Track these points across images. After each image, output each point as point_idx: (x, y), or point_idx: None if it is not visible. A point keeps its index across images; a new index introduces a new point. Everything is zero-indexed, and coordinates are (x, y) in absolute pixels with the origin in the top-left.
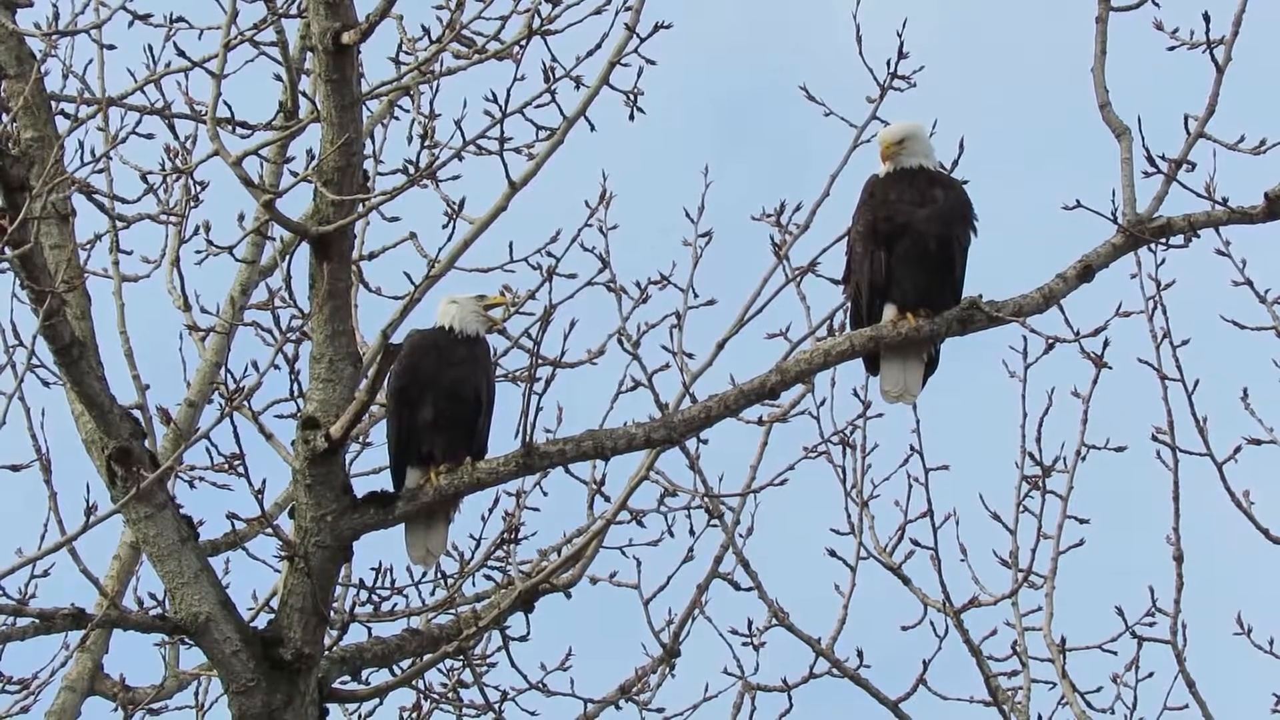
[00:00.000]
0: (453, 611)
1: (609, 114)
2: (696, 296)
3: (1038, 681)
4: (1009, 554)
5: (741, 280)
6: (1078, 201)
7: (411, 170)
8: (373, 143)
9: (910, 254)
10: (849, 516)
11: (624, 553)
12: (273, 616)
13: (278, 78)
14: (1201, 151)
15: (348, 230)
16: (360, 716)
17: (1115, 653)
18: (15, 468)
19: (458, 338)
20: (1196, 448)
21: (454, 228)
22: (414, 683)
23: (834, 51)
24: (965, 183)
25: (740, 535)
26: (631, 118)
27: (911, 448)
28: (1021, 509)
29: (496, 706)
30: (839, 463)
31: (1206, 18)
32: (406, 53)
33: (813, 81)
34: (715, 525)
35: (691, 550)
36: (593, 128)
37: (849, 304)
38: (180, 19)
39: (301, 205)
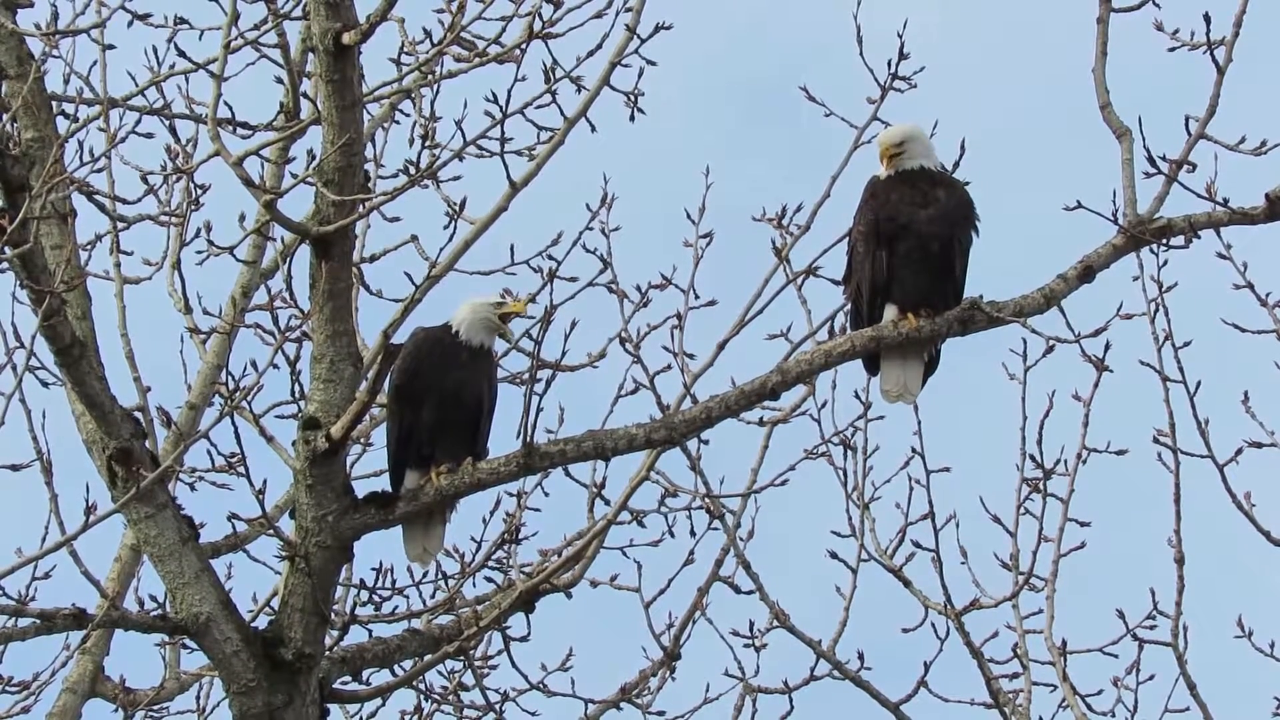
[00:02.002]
0: (453, 612)
1: (610, 114)
2: (698, 297)
3: (1039, 684)
4: (1010, 556)
5: (743, 281)
6: (1078, 202)
7: (412, 170)
8: (373, 147)
9: (912, 254)
10: (850, 518)
11: (625, 553)
12: (273, 617)
13: (279, 80)
14: (1202, 152)
15: (348, 230)
16: (361, 717)
17: (1116, 655)
18: (15, 468)
19: (462, 342)
20: (1198, 450)
21: (455, 228)
22: (415, 683)
23: (838, 51)
24: (967, 183)
25: (741, 538)
26: (632, 118)
27: (913, 449)
28: (1022, 511)
29: (497, 707)
30: (840, 464)
31: (1207, 19)
32: (407, 54)
33: (816, 82)
34: (716, 528)
35: (692, 553)
36: (593, 128)
37: (850, 304)
38: (181, 20)
39: (303, 206)
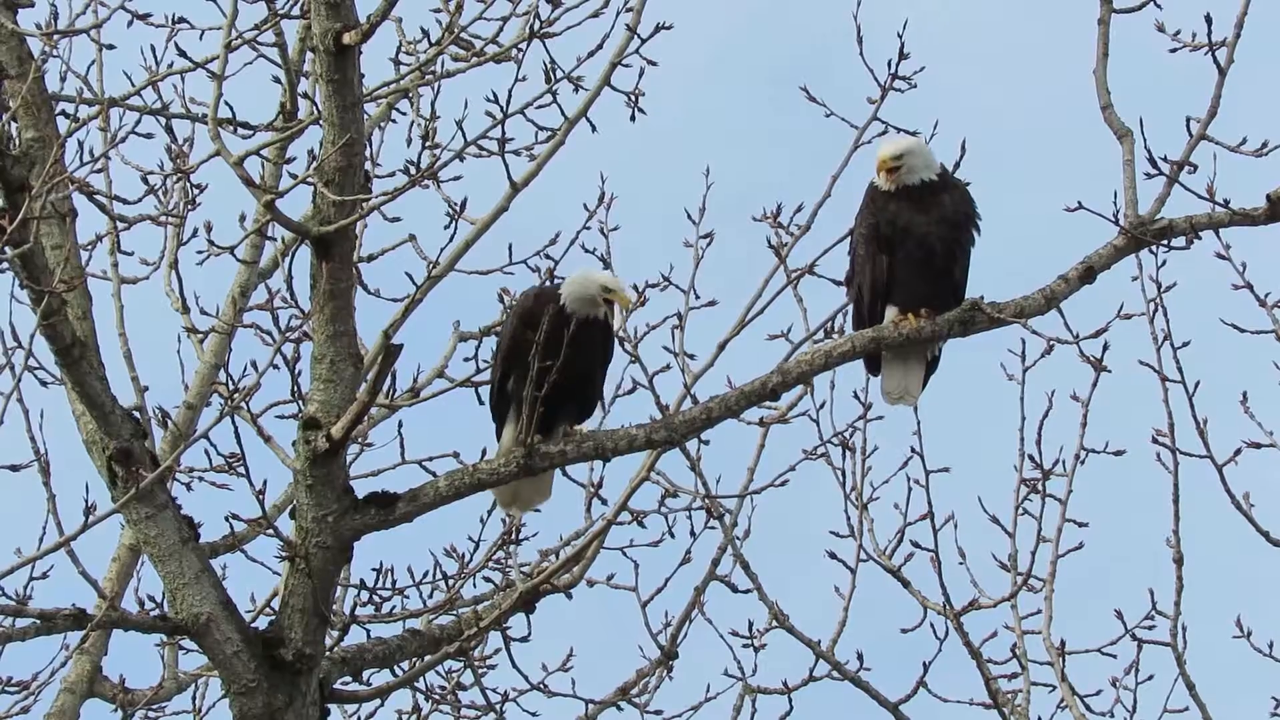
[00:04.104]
0: (454, 612)
1: (611, 114)
2: (698, 297)
3: (1037, 684)
4: (1008, 557)
5: (744, 281)
6: (1079, 203)
7: (413, 171)
8: (370, 146)
9: (914, 256)
10: (849, 519)
11: (625, 554)
12: (273, 617)
13: (276, 80)
14: (1203, 153)
15: (349, 231)
16: (360, 717)
17: (1115, 655)
18: (15, 468)
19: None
20: (1197, 450)
21: (455, 228)
22: (414, 684)
23: (841, 48)
24: (967, 184)
25: (738, 536)
26: (633, 118)
27: (911, 450)
28: (1021, 512)
29: (497, 707)
30: (839, 465)
31: (1209, 20)
32: (407, 54)
33: (819, 80)
34: (714, 527)
35: (689, 552)
36: (594, 128)
37: (851, 305)
38: (181, 19)
39: (302, 206)
